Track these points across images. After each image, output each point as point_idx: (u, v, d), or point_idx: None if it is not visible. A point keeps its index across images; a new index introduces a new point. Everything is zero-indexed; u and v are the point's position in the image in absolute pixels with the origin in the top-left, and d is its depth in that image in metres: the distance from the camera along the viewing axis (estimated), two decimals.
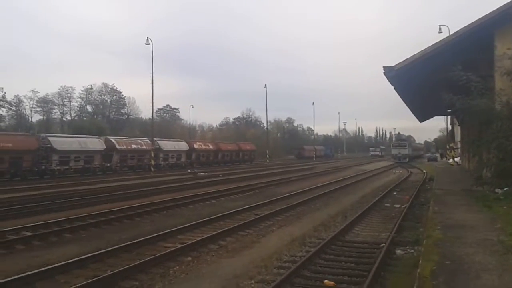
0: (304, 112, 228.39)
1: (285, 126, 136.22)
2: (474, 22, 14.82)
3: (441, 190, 17.14)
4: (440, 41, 15.82)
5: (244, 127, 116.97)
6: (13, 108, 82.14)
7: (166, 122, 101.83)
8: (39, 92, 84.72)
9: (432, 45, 15.49)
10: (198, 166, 53.10)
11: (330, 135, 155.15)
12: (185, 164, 53.73)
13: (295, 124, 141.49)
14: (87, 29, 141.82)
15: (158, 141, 50.09)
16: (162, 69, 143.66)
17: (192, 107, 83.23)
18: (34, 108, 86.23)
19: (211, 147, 62.16)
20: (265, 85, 70.45)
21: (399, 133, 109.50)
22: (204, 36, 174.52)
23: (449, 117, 47.23)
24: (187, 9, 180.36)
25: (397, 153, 77.06)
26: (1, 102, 78.60)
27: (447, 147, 49.86)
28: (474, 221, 10.04)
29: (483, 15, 14.70)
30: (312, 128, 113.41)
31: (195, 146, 58.22)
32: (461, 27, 15.14)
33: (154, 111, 49.19)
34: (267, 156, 75.15)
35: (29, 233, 12.28)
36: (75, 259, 9.15)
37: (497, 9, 14.47)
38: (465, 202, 13.39)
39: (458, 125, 39.91)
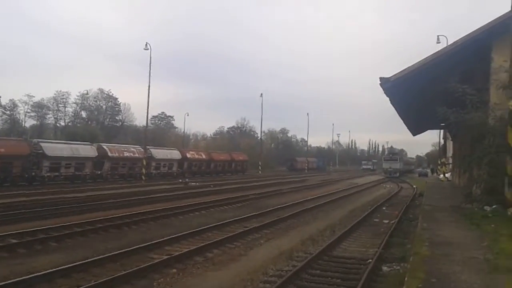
0: (298, 122, 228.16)
1: (279, 137, 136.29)
2: (472, 32, 14.68)
3: (430, 206, 17.13)
4: (437, 52, 15.74)
5: (238, 136, 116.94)
6: (7, 112, 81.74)
7: (161, 130, 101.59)
8: (34, 97, 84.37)
9: (429, 56, 15.39)
10: (190, 176, 52.89)
11: (324, 147, 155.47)
12: (176, 173, 53.51)
13: (289, 134, 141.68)
14: (85, 32, 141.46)
15: (151, 149, 49.91)
16: (159, 76, 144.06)
17: (188, 115, 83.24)
18: (29, 113, 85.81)
19: (203, 156, 62.02)
20: (261, 94, 70.77)
21: (391, 146, 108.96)
22: (201, 44, 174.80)
23: (442, 131, 47.57)
24: (183, 17, 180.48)
25: (388, 167, 75.96)
26: None
27: (439, 162, 49.98)
28: (461, 239, 10.03)
29: (482, 25, 14.64)
30: (306, 139, 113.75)
31: (188, 155, 58.05)
32: (460, 37, 15.06)
33: (149, 118, 49.15)
34: (259, 167, 75.09)
35: (14, 240, 12.13)
36: (59, 268, 9.07)
37: (496, 19, 14.25)
38: (453, 219, 13.38)
39: (451, 140, 40.08)
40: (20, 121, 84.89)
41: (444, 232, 11.01)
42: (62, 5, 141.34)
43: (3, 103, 79.13)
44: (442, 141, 53.52)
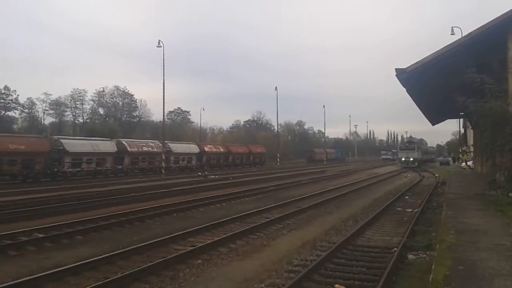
0: (314, 115, 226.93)
1: (296, 129, 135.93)
2: (487, 23, 14.62)
3: (453, 194, 16.97)
4: (453, 42, 15.65)
5: (255, 129, 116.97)
6: (26, 110, 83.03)
7: (177, 125, 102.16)
8: (51, 95, 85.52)
9: (445, 47, 15.32)
10: (208, 169, 53.13)
11: (341, 138, 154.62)
12: (195, 166, 53.85)
13: (306, 127, 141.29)
14: (100, 32, 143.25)
15: (169, 144, 50.30)
16: (174, 72, 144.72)
17: (203, 110, 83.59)
18: (47, 110, 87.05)
19: (221, 149, 62.23)
20: (276, 88, 70.55)
21: (411, 136, 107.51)
22: (216, 42, 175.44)
23: (461, 120, 46.93)
24: (199, 16, 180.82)
25: (404, 157, 68.04)
26: (14, 104, 79.61)
27: (460, 150, 49.37)
28: (487, 226, 9.92)
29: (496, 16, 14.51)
30: (323, 131, 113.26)
31: (206, 149, 58.33)
32: (474, 29, 14.96)
33: (165, 113, 49.47)
34: (278, 159, 75.05)
35: (41, 235, 12.34)
36: (86, 261, 9.18)
37: (511, 10, 14.24)
38: (478, 206, 13.25)
39: (471, 129, 39.53)
40: (39, 119, 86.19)
41: (469, 219, 10.91)
42: (78, 9, 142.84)
43: (21, 101, 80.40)
44: (462, 130, 52.86)
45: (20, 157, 32.42)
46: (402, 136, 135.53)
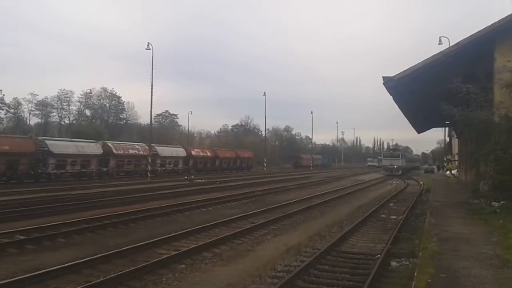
0: (302, 120, 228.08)
1: (283, 134, 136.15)
2: (474, 34, 14.85)
3: (437, 202, 17.10)
4: (440, 52, 15.86)
5: (243, 134, 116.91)
6: (12, 110, 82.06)
7: (165, 128, 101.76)
8: (38, 95, 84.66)
9: (432, 56, 15.51)
10: (195, 173, 53.01)
11: (328, 144, 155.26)
12: (182, 170, 53.65)
13: (293, 132, 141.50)
14: (88, 33, 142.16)
15: (156, 147, 50.05)
16: (163, 75, 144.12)
17: (191, 114, 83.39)
18: (33, 111, 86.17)
19: (208, 153, 62.10)
20: (264, 93, 70.74)
21: (396, 143, 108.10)
22: (205, 45, 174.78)
23: (447, 129, 47.44)
24: (189, 19, 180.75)
25: (388, 164, 65.90)
26: (0, 104, 78.61)
27: (445, 159, 49.86)
28: (470, 234, 10.01)
29: (484, 27, 14.74)
30: (310, 137, 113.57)
31: (193, 152, 58.17)
32: (462, 39, 15.17)
33: (153, 116, 49.25)
34: (264, 164, 75.07)
35: (22, 237, 12.17)
36: (67, 264, 9.07)
37: (498, 21, 14.50)
38: (461, 214, 13.35)
39: (456, 137, 40.00)
40: (25, 119, 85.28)
41: (452, 227, 10.99)
42: (66, 8, 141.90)
43: (7, 101, 79.50)
44: (447, 139, 53.43)
45: (4, 157, 31.97)
46: (388, 144, 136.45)
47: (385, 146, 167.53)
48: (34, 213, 16.73)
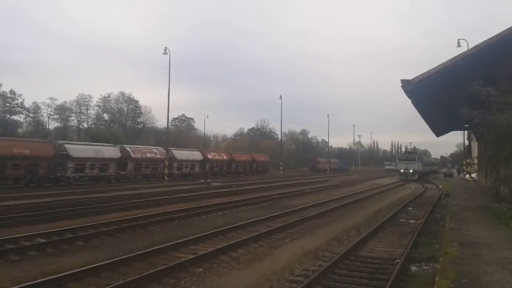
0: (318, 124, 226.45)
1: (300, 138, 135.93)
2: (494, 36, 14.62)
3: (457, 206, 16.90)
4: (459, 54, 15.65)
5: (258, 138, 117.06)
6: (31, 115, 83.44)
7: (181, 132, 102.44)
8: (57, 100, 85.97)
9: (451, 59, 15.32)
10: (211, 176, 53.18)
11: (345, 148, 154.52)
12: (198, 174, 53.86)
13: (310, 136, 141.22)
14: (107, 38, 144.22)
15: (173, 151, 50.36)
16: (179, 80, 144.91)
17: (207, 117, 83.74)
18: (52, 115, 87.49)
19: (225, 157, 62.25)
20: (280, 96, 70.64)
21: (415, 147, 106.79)
22: (221, 50, 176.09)
23: (466, 132, 46.80)
24: (205, 25, 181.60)
25: (403, 168, 61.70)
26: (19, 108, 79.99)
27: (464, 162, 49.18)
28: (491, 239, 9.86)
29: (503, 29, 14.51)
30: (327, 141, 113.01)
31: (209, 156, 58.37)
32: (481, 41, 14.96)
33: (170, 120, 49.59)
34: (281, 168, 74.93)
35: (42, 240, 12.33)
36: (87, 267, 9.15)
37: None
38: (482, 219, 13.18)
39: (476, 141, 39.43)
40: (44, 123, 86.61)
41: (473, 232, 10.85)
42: (86, 15, 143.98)
43: (26, 105, 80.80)
44: (466, 142, 52.70)
45: (23, 161, 32.46)
46: (406, 147, 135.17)
47: (403, 150, 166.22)
48: (54, 216, 16.96)
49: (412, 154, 68.35)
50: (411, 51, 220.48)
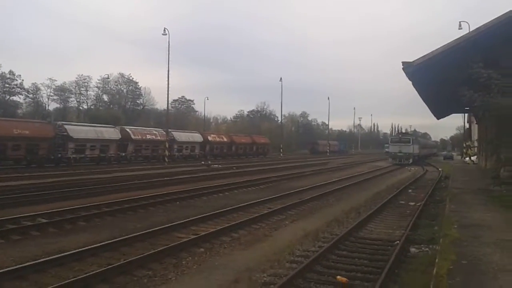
0: (319, 107, 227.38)
1: (300, 120, 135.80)
2: (495, 19, 14.54)
3: (457, 189, 16.95)
4: (461, 37, 15.56)
5: (259, 120, 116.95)
6: (30, 95, 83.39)
7: (181, 114, 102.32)
8: (56, 81, 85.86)
9: (452, 41, 15.23)
10: (211, 158, 53.27)
11: (345, 131, 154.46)
12: (199, 155, 53.95)
13: (310, 118, 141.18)
14: (106, 19, 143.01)
15: (173, 132, 50.37)
16: (179, 61, 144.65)
17: (207, 99, 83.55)
18: (51, 96, 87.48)
19: (225, 139, 62.29)
20: (280, 79, 70.25)
21: (415, 130, 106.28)
22: (222, 32, 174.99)
23: (466, 115, 46.76)
24: (206, 6, 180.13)
25: (396, 151, 54.85)
26: (19, 89, 79.98)
27: (464, 145, 49.17)
28: (491, 221, 9.92)
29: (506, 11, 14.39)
30: (327, 123, 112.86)
31: (209, 138, 58.40)
32: (482, 23, 14.85)
33: (169, 102, 49.44)
34: (281, 150, 75.01)
35: (44, 220, 12.39)
36: (89, 247, 9.21)
37: None
38: (482, 201, 13.24)
39: (476, 123, 39.41)
40: (43, 104, 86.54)
41: (473, 214, 10.91)
42: None
43: (26, 86, 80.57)
44: (467, 125, 52.62)
45: (24, 142, 32.49)
46: (406, 130, 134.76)
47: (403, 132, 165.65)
48: (55, 196, 17.03)
49: (406, 136, 61.08)
50: (412, 33, 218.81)
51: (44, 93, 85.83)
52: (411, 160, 53.93)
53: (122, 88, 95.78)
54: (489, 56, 15.34)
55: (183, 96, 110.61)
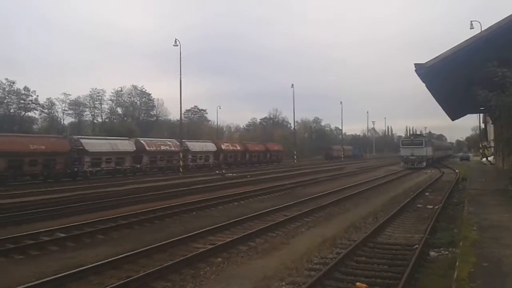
0: (331, 111, 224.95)
1: (313, 126, 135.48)
2: (507, 17, 14.38)
3: (475, 190, 16.76)
4: (473, 37, 15.41)
5: (271, 127, 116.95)
6: (46, 110, 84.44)
7: (194, 123, 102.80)
8: (70, 95, 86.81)
9: (464, 41, 15.09)
10: (226, 167, 53.34)
11: (359, 135, 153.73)
12: (213, 165, 54.07)
13: (323, 124, 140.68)
14: (117, 32, 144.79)
15: (187, 142, 50.59)
16: (191, 71, 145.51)
17: (220, 108, 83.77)
18: (66, 110, 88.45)
19: (238, 147, 62.36)
20: (292, 85, 70.18)
21: (430, 132, 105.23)
22: (232, 41, 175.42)
23: (481, 115, 46.22)
24: (216, 15, 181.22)
25: (408, 154, 51.31)
26: (34, 105, 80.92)
27: (480, 146, 48.55)
28: (510, 222, 9.78)
29: None
30: (340, 128, 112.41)
31: (223, 147, 58.53)
32: (493, 23, 14.71)
33: (182, 112, 49.72)
34: (295, 157, 74.87)
35: (62, 234, 12.50)
36: (108, 260, 9.27)
37: None
38: (500, 202, 13.07)
39: (492, 123, 38.94)
40: (59, 119, 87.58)
41: (492, 215, 10.77)
42: (95, 9, 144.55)
43: (40, 102, 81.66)
44: (482, 125, 51.98)
45: (40, 157, 32.85)
46: (421, 132, 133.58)
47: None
48: (72, 211, 17.17)
49: (418, 137, 57.34)
50: (423, 32, 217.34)
51: (59, 108, 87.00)
52: (424, 164, 50.81)
53: (136, 100, 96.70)
54: (502, 55, 15.17)
55: (196, 106, 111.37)
